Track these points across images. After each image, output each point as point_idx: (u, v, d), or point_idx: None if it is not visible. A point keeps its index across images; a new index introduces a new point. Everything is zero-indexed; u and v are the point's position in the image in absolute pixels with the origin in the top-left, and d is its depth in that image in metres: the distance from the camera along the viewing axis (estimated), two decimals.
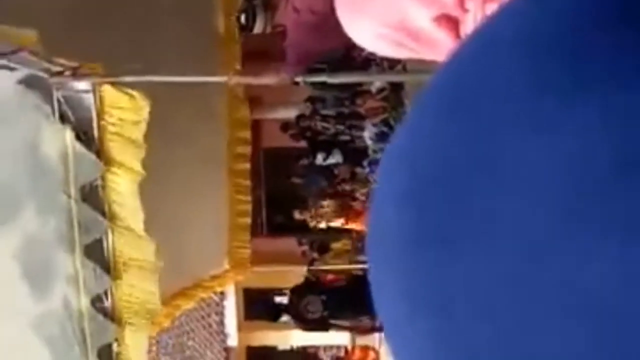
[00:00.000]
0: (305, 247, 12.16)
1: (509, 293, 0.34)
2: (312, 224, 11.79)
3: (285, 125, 11.81)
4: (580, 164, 0.33)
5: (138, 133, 4.02)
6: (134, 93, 4.03)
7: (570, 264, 0.33)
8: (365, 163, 11.45)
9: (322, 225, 11.75)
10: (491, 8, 0.86)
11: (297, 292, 8.13)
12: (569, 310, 0.33)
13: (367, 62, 10.14)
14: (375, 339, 13.16)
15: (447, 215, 0.37)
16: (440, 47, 0.96)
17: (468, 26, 0.91)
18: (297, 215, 11.77)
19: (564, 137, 0.34)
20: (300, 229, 12.30)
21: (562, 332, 0.33)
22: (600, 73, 0.34)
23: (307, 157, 11.87)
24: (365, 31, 1.00)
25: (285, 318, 11.41)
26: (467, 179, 0.36)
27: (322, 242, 12.04)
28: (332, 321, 8.43)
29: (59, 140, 3.95)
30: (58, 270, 4.17)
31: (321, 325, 8.41)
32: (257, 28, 11.12)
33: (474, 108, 0.37)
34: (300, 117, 11.57)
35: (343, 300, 8.15)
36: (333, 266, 10.80)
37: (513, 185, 0.35)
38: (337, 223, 11.71)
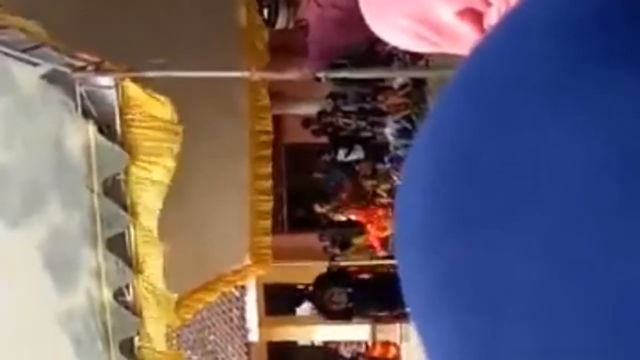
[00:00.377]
0: (327, 243, 12.17)
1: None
2: (332, 216, 11.80)
3: (306, 121, 11.81)
4: (615, 149, 0.33)
5: (172, 129, 4.05)
6: (158, 97, 4.05)
7: (601, 249, 0.33)
8: (386, 159, 11.44)
9: (343, 218, 11.75)
10: (515, 0, 0.85)
11: (323, 282, 8.14)
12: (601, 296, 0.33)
13: (390, 57, 10.12)
14: (396, 335, 13.15)
15: (476, 205, 0.37)
16: (463, 41, 0.95)
17: (492, 19, 0.91)
18: (317, 208, 11.78)
19: (597, 124, 0.33)
20: (321, 224, 12.31)
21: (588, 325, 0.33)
22: (632, 58, 0.34)
23: (328, 153, 11.87)
24: (389, 25, 1.00)
25: (305, 306, 11.40)
26: (497, 169, 0.36)
27: (343, 238, 12.04)
28: (355, 313, 8.45)
29: (82, 134, 3.98)
30: (82, 264, 4.20)
31: (344, 316, 8.43)
32: (280, 23, 11.12)
33: (502, 98, 0.37)
34: (321, 113, 11.57)
35: (368, 294, 8.15)
36: (354, 262, 10.80)
37: (545, 174, 0.34)
38: (357, 217, 11.71)
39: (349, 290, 7.93)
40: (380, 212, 10.62)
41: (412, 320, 0.43)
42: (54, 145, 4.02)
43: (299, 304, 9.13)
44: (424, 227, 0.40)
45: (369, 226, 10.92)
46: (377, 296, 8.31)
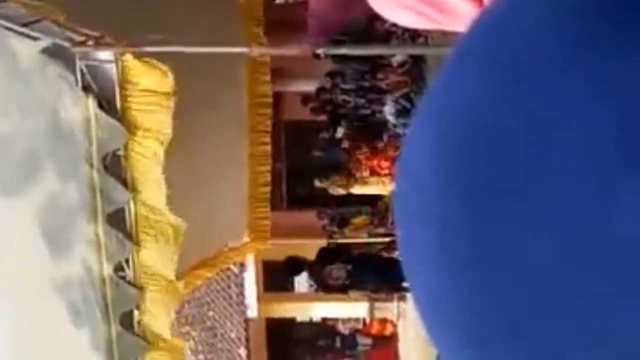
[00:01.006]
0: (325, 221, 12.19)
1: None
2: (332, 192, 11.81)
3: (305, 98, 11.79)
4: (621, 112, 0.33)
5: (167, 102, 4.05)
6: (160, 66, 4.04)
7: (604, 209, 0.33)
8: (385, 137, 11.43)
9: (342, 192, 11.76)
10: None
11: (324, 257, 8.16)
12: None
13: (388, 35, 10.08)
14: (393, 312, 13.21)
15: (488, 177, 0.36)
16: (463, 17, 0.96)
17: None
18: (317, 183, 11.79)
19: (606, 87, 0.34)
20: (320, 201, 12.32)
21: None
22: None
23: (327, 131, 11.86)
24: (390, 2, 1.00)
25: (303, 282, 11.43)
26: (508, 138, 0.36)
27: (342, 216, 12.07)
28: (353, 288, 8.48)
29: (81, 108, 3.98)
30: (78, 233, 4.22)
31: (341, 291, 8.46)
32: None
33: (509, 67, 0.37)
34: (320, 89, 11.54)
35: (367, 272, 8.17)
36: (352, 239, 10.83)
37: (560, 137, 0.35)
38: (358, 189, 11.73)
39: (349, 267, 7.96)
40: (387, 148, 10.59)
41: (415, 294, 0.43)
42: (52, 115, 4.02)
43: (297, 273, 9.15)
44: (433, 202, 0.39)
45: (374, 161, 10.89)
46: (376, 273, 8.33)
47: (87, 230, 4.20)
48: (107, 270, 4.30)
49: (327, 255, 8.31)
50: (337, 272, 7.94)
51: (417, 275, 0.42)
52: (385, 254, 8.92)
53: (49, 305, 4.31)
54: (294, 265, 8.78)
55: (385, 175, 11.07)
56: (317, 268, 8.20)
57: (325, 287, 8.52)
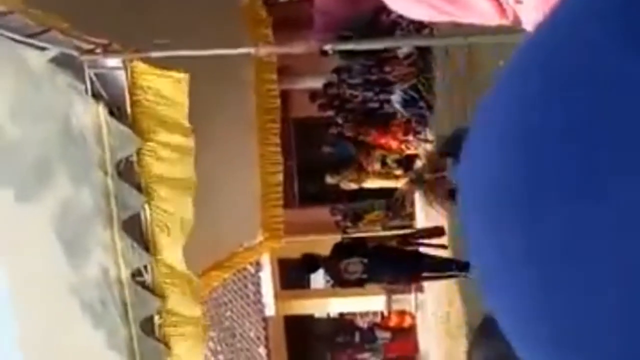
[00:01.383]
0: (339, 218, 12.20)
1: None
2: (343, 186, 11.82)
3: (313, 95, 11.79)
4: None
5: (181, 109, 4.06)
6: (173, 74, 4.05)
7: None
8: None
9: (354, 186, 11.77)
10: None
11: (339, 251, 8.17)
12: None
13: (393, 27, 10.07)
14: (411, 304, 13.21)
15: (577, 168, 0.37)
16: (476, 10, 0.96)
17: None
18: (328, 179, 11.79)
19: None
20: (332, 197, 12.33)
21: None
22: None
23: (335, 126, 11.86)
24: None
25: (320, 279, 11.43)
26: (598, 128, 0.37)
27: (355, 212, 12.07)
28: (369, 282, 8.50)
29: (92, 116, 4.00)
30: (94, 239, 4.23)
31: (357, 285, 8.48)
32: None
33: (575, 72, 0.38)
34: (327, 85, 11.54)
35: (383, 265, 8.18)
36: (366, 234, 10.82)
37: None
38: (370, 184, 11.73)
39: (365, 260, 7.96)
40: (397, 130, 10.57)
41: (486, 280, 0.44)
42: (63, 120, 4.04)
43: (314, 270, 9.16)
44: (520, 191, 0.39)
45: (384, 140, 10.86)
46: (392, 266, 8.34)
47: (103, 235, 4.22)
48: (125, 274, 4.31)
49: (342, 250, 8.31)
50: (353, 266, 7.94)
51: (490, 259, 0.42)
52: (400, 246, 8.92)
53: (66, 308, 4.34)
54: (310, 262, 8.78)
55: (395, 152, 10.99)
56: (332, 263, 8.21)
57: (341, 282, 8.53)
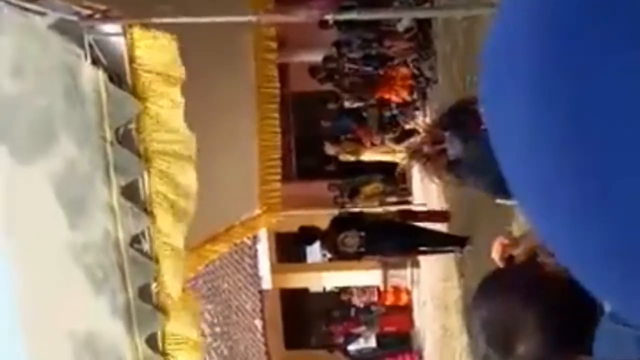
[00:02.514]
0: (336, 193, 12.22)
1: None
2: (341, 158, 11.84)
3: (313, 70, 11.76)
4: None
5: (175, 71, 4.03)
6: (161, 35, 4.02)
7: None
8: (393, 105, 11.42)
9: (352, 158, 11.79)
10: None
11: (337, 224, 8.21)
12: None
13: (392, 1, 10.04)
14: (407, 278, 13.26)
15: None
16: None
17: None
18: (327, 148, 11.79)
19: None
20: (330, 171, 12.34)
21: None
22: None
23: (335, 101, 11.84)
24: None
25: (316, 251, 11.49)
26: None
27: (352, 187, 12.09)
28: (366, 255, 8.55)
29: (92, 80, 3.97)
30: (96, 200, 4.23)
31: (355, 258, 8.54)
32: None
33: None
34: (326, 58, 11.50)
35: (380, 238, 8.22)
36: (364, 209, 10.85)
37: None
38: (367, 157, 11.73)
39: (362, 234, 8.00)
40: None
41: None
42: (65, 82, 4.01)
43: (311, 243, 9.20)
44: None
45: (387, 95, 10.80)
46: (390, 240, 8.38)
47: (105, 199, 4.22)
48: (124, 240, 4.31)
49: (340, 223, 8.33)
50: (351, 239, 7.98)
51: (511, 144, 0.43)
52: (400, 220, 8.95)
53: (68, 273, 4.34)
54: (308, 235, 8.81)
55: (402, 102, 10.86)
56: (330, 236, 8.24)
57: (339, 255, 8.57)
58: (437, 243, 8.63)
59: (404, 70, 10.42)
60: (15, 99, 4.07)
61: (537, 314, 1.22)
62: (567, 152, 0.39)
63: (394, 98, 10.77)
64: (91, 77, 3.96)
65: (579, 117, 0.38)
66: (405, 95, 10.69)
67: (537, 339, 1.22)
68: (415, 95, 10.80)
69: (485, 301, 1.31)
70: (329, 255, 13.20)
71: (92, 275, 4.34)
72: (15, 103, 4.08)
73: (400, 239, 8.34)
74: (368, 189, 12.03)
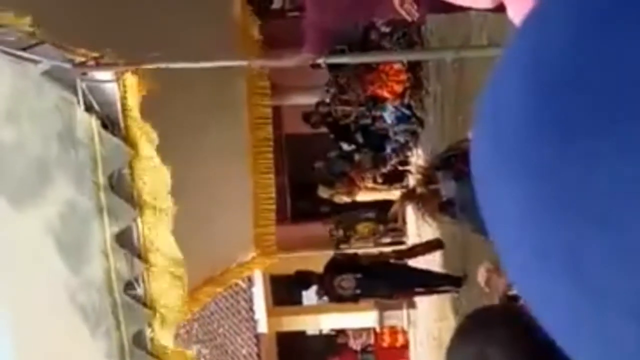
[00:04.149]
0: (331, 226, 12.21)
1: None
2: (336, 200, 11.84)
3: (307, 116, 11.83)
4: None
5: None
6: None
7: None
8: (387, 147, 11.47)
9: (347, 199, 11.79)
10: None
11: (332, 268, 8.21)
12: None
13: (380, 46, 10.13)
14: (403, 321, 13.19)
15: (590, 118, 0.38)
16: None
17: None
18: (321, 192, 11.80)
19: None
20: (324, 213, 12.33)
21: None
22: None
23: (333, 149, 11.90)
24: None
25: (312, 295, 11.44)
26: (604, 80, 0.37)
27: (347, 223, 12.10)
28: (363, 297, 8.53)
29: (86, 126, 3.99)
30: (92, 242, 4.22)
31: (351, 300, 8.51)
32: (276, 3, 11.19)
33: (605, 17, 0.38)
34: (319, 103, 11.57)
35: (376, 280, 8.22)
36: (358, 250, 10.82)
37: None
38: (362, 197, 11.74)
39: (358, 275, 7.99)
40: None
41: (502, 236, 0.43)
42: (60, 124, 4.03)
43: (307, 287, 9.18)
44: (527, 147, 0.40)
45: (380, 91, 10.67)
46: (385, 281, 8.37)
47: (99, 241, 4.21)
48: (118, 288, 4.29)
49: (336, 266, 8.32)
50: (347, 282, 7.96)
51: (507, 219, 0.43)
52: (395, 260, 8.94)
53: (64, 315, 4.31)
54: (303, 279, 8.78)
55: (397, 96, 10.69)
56: (326, 280, 8.22)
57: (335, 298, 8.54)
58: (433, 283, 8.61)
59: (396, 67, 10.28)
60: (10, 146, 4.09)
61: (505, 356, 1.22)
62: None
63: (386, 94, 10.61)
64: (84, 122, 3.98)
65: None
66: (398, 89, 10.51)
67: None
68: (407, 99, 10.59)
69: (461, 345, 1.31)
70: (325, 298, 13.13)
71: (87, 317, 4.31)
72: (9, 149, 4.10)
73: (396, 280, 8.32)
74: (361, 227, 12.04)
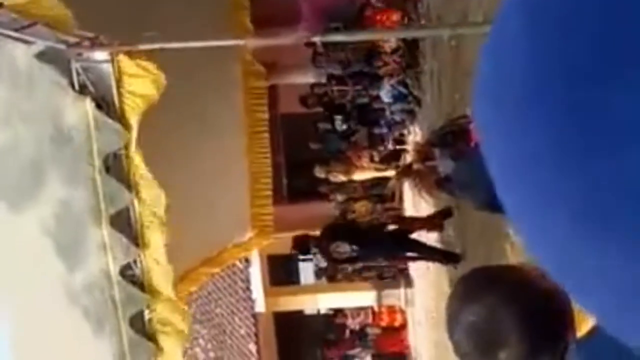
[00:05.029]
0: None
1: None
2: (332, 179, 11.84)
3: (303, 99, 11.77)
4: None
5: (146, 103, 4.03)
6: (148, 65, 4.01)
7: None
8: (383, 123, 11.44)
9: (343, 178, 11.79)
10: None
11: (329, 235, 8.27)
12: None
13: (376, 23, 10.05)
14: (400, 298, 13.21)
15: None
16: None
17: None
18: (317, 172, 11.79)
19: None
20: (321, 193, 12.33)
21: None
22: None
23: (325, 122, 11.86)
24: None
25: (309, 273, 11.49)
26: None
27: (342, 208, 12.13)
28: (359, 261, 8.61)
29: (79, 111, 3.96)
30: (89, 239, 4.20)
31: (347, 263, 8.60)
32: None
33: None
34: (314, 85, 11.52)
35: (372, 247, 8.27)
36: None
37: None
38: (358, 175, 11.74)
39: (354, 247, 8.05)
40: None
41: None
42: (53, 121, 4.00)
43: (306, 252, 9.22)
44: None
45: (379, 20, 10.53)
46: (381, 247, 8.43)
47: (96, 233, 4.19)
48: (114, 272, 4.28)
49: (331, 231, 8.37)
50: (343, 247, 8.01)
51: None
52: (390, 227, 8.96)
53: (68, 317, 4.29)
54: (301, 245, 8.80)
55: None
56: (323, 245, 8.27)
57: (332, 260, 8.60)
58: (429, 255, 8.65)
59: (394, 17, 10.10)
60: (4, 149, 4.05)
61: (520, 320, 1.22)
62: (567, 173, 0.39)
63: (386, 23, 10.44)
64: (78, 106, 3.94)
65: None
66: (396, 18, 10.32)
67: (520, 347, 1.23)
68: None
69: (467, 303, 1.30)
70: (323, 279, 13.20)
71: (89, 318, 4.30)
72: (3, 153, 4.06)
73: (391, 245, 8.35)
74: (358, 206, 12.05)
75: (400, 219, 9.36)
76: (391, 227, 8.82)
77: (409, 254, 8.84)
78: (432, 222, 8.70)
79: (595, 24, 0.37)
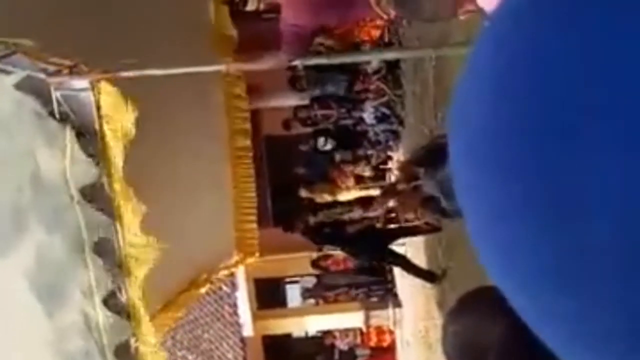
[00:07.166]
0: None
1: None
2: (318, 199, 11.83)
3: (286, 123, 11.78)
4: None
5: (124, 134, 4.01)
6: (123, 100, 4.00)
7: None
8: (366, 144, 11.47)
9: (329, 198, 11.78)
10: None
11: (317, 238, 8.35)
12: None
13: (359, 44, 10.09)
14: (389, 319, 13.18)
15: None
16: None
17: None
18: (302, 193, 11.77)
19: None
20: (306, 215, 12.31)
21: None
22: None
23: (306, 143, 11.87)
24: None
25: (296, 298, 11.48)
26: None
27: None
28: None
29: (59, 141, 3.92)
30: (73, 284, 4.14)
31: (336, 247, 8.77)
32: (250, 4, 11.15)
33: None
34: (297, 108, 11.53)
35: (358, 248, 8.39)
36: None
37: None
38: (344, 196, 11.73)
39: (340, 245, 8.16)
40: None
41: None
42: (33, 162, 3.95)
43: (292, 231, 9.32)
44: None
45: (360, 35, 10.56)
46: (365, 254, 8.53)
47: (81, 274, 4.13)
48: (99, 303, 4.22)
49: (321, 235, 8.45)
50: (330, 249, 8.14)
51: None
52: (377, 227, 9.01)
53: None
54: (288, 226, 8.89)
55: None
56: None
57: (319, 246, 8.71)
58: (407, 268, 8.78)
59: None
60: None
61: (506, 330, 1.24)
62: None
63: (365, 38, 10.47)
64: (57, 138, 3.89)
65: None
66: (376, 34, 10.35)
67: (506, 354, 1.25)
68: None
69: (458, 316, 1.34)
70: (311, 300, 13.15)
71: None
72: None
73: (376, 247, 8.45)
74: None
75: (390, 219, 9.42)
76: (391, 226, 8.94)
77: (390, 258, 8.97)
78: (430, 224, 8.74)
79: (564, 80, 0.37)
